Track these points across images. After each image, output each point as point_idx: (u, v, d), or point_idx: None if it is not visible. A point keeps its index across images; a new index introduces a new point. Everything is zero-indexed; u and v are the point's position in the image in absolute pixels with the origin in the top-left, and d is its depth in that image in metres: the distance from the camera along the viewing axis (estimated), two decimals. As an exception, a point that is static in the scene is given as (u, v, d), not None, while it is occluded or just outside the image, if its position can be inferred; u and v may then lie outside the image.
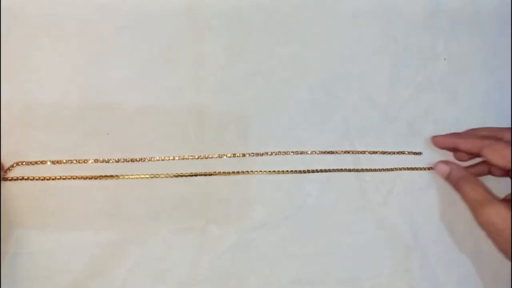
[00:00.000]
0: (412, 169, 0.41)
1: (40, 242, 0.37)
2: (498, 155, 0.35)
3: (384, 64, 0.41)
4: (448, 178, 0.39)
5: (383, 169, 0.41)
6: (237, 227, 0.39)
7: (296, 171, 0.40)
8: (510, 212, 0.33)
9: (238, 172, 0.39)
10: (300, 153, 0.40)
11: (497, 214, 0.33)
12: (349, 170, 0.41)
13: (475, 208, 0.35)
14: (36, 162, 0.37)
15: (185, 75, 0.38)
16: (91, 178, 0.37)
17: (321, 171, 0.40)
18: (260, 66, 0.39)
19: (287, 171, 0.40)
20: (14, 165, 0.36)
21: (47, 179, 0.37)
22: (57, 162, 0.37)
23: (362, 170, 0.41)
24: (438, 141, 0.40)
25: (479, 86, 0.42)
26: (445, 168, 0.39)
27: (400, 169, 0.41)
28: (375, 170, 0.41)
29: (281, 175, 0.40)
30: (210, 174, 0.39)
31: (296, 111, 0.40)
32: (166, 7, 0.38)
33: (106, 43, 0.37)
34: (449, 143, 0.39)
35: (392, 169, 0.41)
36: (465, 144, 0.38)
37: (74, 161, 0.37)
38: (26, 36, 0.36)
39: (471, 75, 0.42)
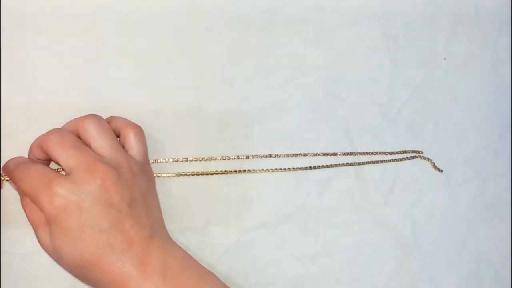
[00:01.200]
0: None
1: (40, 242, 0.37)
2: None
3: (384, 64, 0.41)
4: None
5: (382, 161, 0.41)
6: (237, 227, 0.39)
7: (296, 168, 0.40)
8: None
9: (239, 171, 0.39)
10: (300, 153, 0.40)
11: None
12: (349, 165, 0.40)
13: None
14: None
15: (185, 75, 0.38)
16: (91, 178, 0.37)
17: (322, 167, 0.40)
18: (260, 66, 0.39)
19: (287, 168, 0.40)
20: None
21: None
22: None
23: (362, 163, 0.41)
24: None
25: (479, 86, 0.42)
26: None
27: (400, 159, 0.41)
28: (374, 163, 0.41)
29: (281, 175, 0.40)
30: (211, 174, 0.39)
31: (296, 111, 0.40)
32: (167, 7, 0.38)
33: (106, 43, 0.37)
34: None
35: (390, 160, 0.41)
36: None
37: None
38: (26, 36, 0.36)
39: (471, 75, 0.42)
